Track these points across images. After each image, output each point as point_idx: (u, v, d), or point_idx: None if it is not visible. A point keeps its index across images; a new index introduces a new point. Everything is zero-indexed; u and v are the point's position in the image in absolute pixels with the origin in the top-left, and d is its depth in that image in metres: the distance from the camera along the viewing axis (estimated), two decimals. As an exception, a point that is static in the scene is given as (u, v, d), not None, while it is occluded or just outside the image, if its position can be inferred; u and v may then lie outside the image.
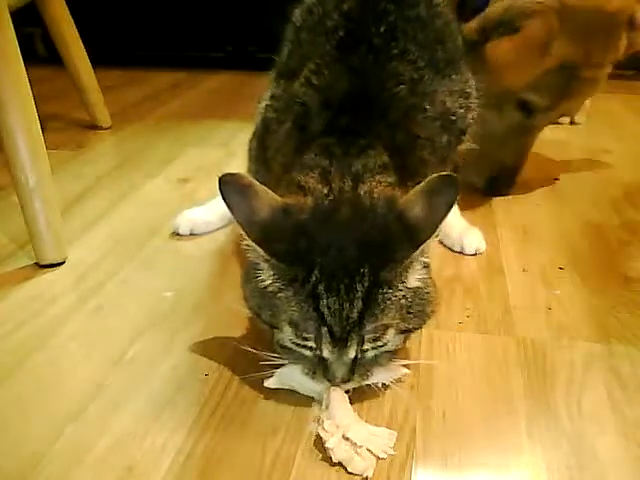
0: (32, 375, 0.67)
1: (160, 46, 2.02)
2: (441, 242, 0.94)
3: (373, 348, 0.57)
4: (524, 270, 0.86)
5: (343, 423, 0.55)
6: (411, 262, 0.56)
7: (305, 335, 0.56)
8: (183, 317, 0.76)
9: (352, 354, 0.56)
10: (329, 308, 0.54)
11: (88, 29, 2.09)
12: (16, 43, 0.85)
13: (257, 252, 0.56)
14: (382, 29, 0.72)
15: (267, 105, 0.80)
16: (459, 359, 0.69)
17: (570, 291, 0.81)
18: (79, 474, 0.54)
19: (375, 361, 0.59)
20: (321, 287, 0.54)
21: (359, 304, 0.54)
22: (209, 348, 0.70)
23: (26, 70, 0.85)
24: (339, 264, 0.54)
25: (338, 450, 0.54)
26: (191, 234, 0.95)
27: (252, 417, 0.60)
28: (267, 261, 0.56)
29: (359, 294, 0.54)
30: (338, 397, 0.58)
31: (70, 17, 1.36)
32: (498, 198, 1.09)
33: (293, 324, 0.56)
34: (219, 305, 0.78)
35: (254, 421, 0.60)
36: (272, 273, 0.56)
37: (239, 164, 1.23)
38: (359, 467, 0.53)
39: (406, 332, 0.60)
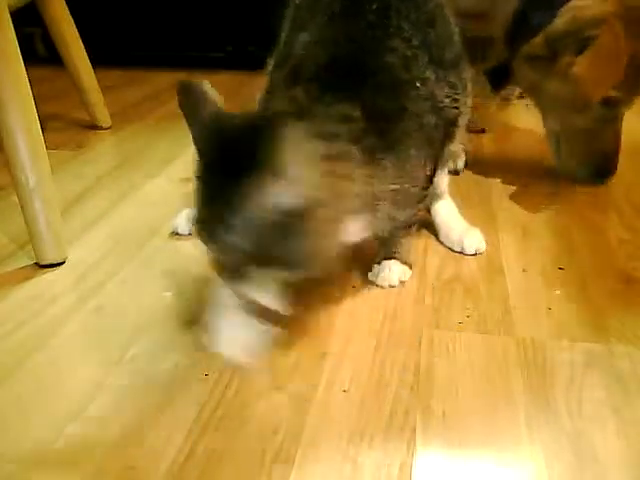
0: (32, 375, 0.67)
1: (160, 46, 2.02)
2: (441, 242, 0.94)
3: None
4: (524, 270, 0.86)
5: None
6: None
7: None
8: (183, 317, 0.76)
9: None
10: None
11: (88, 29, 2.10)
12: (16, 43, 0.85)
13: None
14: (375, 6, 0.74)
15: (270, 71, 0.83)
16: (459, 359, 0.69)
17: (570, 291, 0.81)
18: (79, 474, 0.54)
19: None
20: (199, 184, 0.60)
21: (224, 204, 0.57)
22: (209, 348, 0.70)
23: (26, 70, 0.86)
24: (214, 173, 0.59)
25: None
26: (190, 234, 0.95)
27: (252, 417, 0.60)
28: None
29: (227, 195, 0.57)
30: None
31: (70, 17, 1.36)
32: (498, 198, 1.09)
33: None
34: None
35: (254, 421, 0.60)
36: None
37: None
38: None
39: None
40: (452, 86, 0.78)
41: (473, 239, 0.92)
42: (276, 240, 0.57)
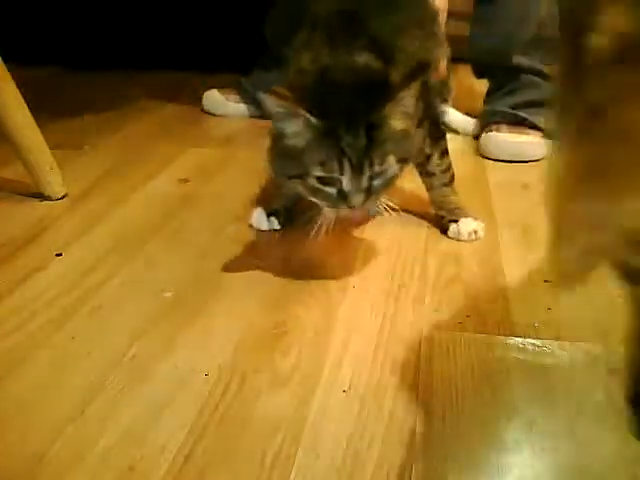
0: (32, 375, 0.67)
1: (160, 46, 2.02)
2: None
3: (379, 174, 0.73)
4: (524, 270, 0.86)
5: None
6: (391, 110, 0.72)
7: (331, 169, 0.71)
8: (183, 317, 0.76)
9: (365, 182, 0.72)
10: (348, 145, 0.70)
11: (89, 29, 2.10)
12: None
13: (290, 114, 0.71)
14: None
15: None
16: (459, 359, 0.69)
17: (570, 291, 0.81)
18: (79, 474, 0.54)
19: (381, 188, 0.74)
20: (341, 131, 0.70)
21: (365, 139, 0.70)
22: (209, 348, 0.70)
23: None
24: (348, 113, 0.70)
25: None
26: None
27: (252, 417, 0.60)
28: (300, 118, 0.71)
29: (363, 132, 0.70)
30: None
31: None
32: (498, 198, 1.09)
33: (321, 164, 0.71)
34: (219, 305, 0.78)
35: (254, 421, 0.60)
36: (302, 130, 0.71)
37: (239, 164, 1.23)
38: None
39: (400, 162, 0.75)
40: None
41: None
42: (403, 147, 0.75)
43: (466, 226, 0.94)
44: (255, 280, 0.84)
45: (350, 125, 0.70)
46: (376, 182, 0.73)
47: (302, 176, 0.73)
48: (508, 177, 1.19)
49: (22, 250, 0.92)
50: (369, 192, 0.73)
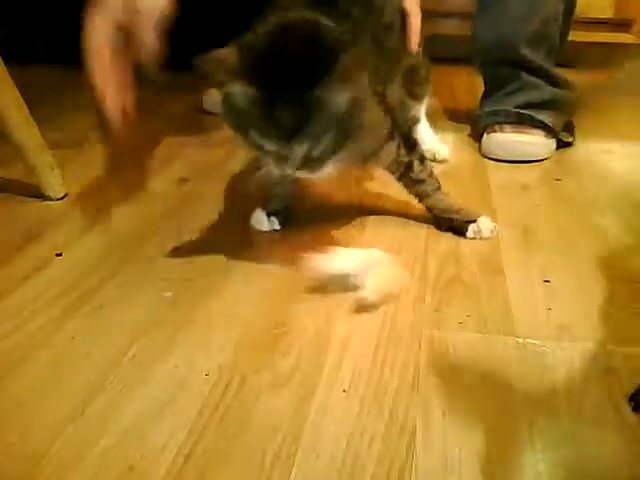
0: (32, 375, 0.67)
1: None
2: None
3: (316, 146, 0.71)
4: (524, 270, 0.86)
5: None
6: (330, 84, 0.68)
7: (265, 136, 0.70)
8: (183, 317, 0.76)
9: (300, 153, 0.71)
10: (281, 117, 0.68)
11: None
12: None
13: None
14: None
15: None
16: (459, 359, 0.69)
17: (570, 291, 0.81)
18: (79, 474, 0.54)
19: (327, 156, 0.73)
20: (277, 101, 0.68)
21: (298, 114, 0.68)
22: (209, 348, 0.70)
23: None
24: (286, 84, 0.68)
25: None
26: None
27: (252, 417, 0.60)
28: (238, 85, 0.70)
29: (299, 106, 0.68)
30: None
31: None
32: (498, 199, 1.09)
33: (257, 128, 0.70)
34: (219, 305, 0.78)
35: (254, 421, 0.60)
36: (240, 93, 0.70)
37: (239, 164, 1.23)
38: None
39: (348, 137, 0.73)
40: None
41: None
42: (345, 130, 0.72)
43: (485, 224, 0.95)
44: (255, 280, 0.84)
45: (287, 98, 0.68)
46: (316, 151, 0.72)
47: (241, 132, 0.73)
48: (508, 178, 1.19)
49: (22, 250, 0.92)
50: (307, 161, 0.72)
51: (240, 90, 0.70)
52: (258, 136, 0.71)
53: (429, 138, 1.27)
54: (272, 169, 0.75)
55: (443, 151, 1.26)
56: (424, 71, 1.14)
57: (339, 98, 0.69)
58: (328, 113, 0.69)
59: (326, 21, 0.73)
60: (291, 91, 0.68)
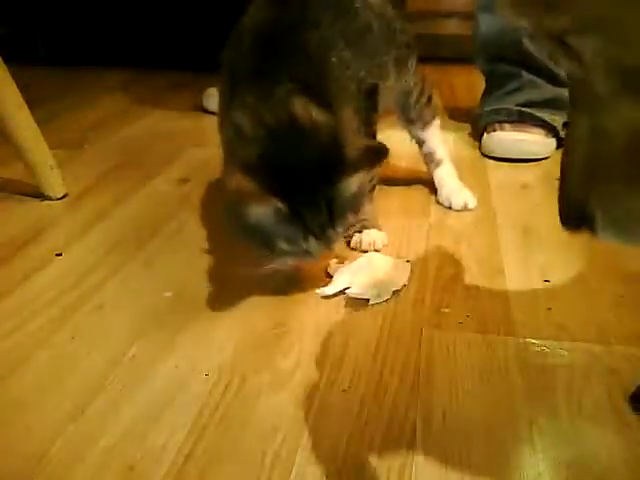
0: (32, 375, 0.67)
1: (160, 46, 2.02)
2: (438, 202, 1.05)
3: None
4: (524, 270, 0.86)
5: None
6: (348, 180, 0.70)
7: (297, 244, 0.71)
8: (183, 317, 0.76)
9: (329, 242, 0.73)
10: (311, 222, 0.70)
11: (89, 29, 2.10)
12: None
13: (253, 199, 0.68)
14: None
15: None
16: (459, 359, 0.69)
17: (570, 291, 0.81)
18: (79, 474, 0.54)
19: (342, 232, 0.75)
20: (303, 210, 0.69)
21: (326, 214, 0.70)
22: (209, 348, 0.70)
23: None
24: (307, 191, 0.69)
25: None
26: None
27: (252, 417, 0.60)
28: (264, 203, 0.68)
29: (324, 206, 0.70)
30: None
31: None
32: (498, 198, 1.09)
33: (287, 240, 0.71)
34: (219, 305, 0.78)
35: (254, 421, 0.60)
36: (266, 211, 0.68)
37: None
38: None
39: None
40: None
41: (461, 196, 1.04)
42: (357, 204, 0.75)
43: (368, 237, 0.91)
44: (255, 280, 0.84)
45: (311, 203, 0.69)
46: (339, 232, 0.74)
47: (267, 246, 0.72)
48: (508, 177, 1.19)
49: (22, 250, 0.92)
50: (330, 242, 0.74)
51: (261, 209, 0.69)
52: (287, 244, 0.71)
53: (450, 182, 1.08)
54: (288, 261, 0.75)
55: (466, 200, 1.05)
56: (416, 93, 1.03)
57: (353, 184, 0.71)
58: (347, 199, 0.71)
59: (316, 111, 0.71)
60: (311, 194, 0.69)
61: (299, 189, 0.68)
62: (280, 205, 0.68)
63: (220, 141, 0.78)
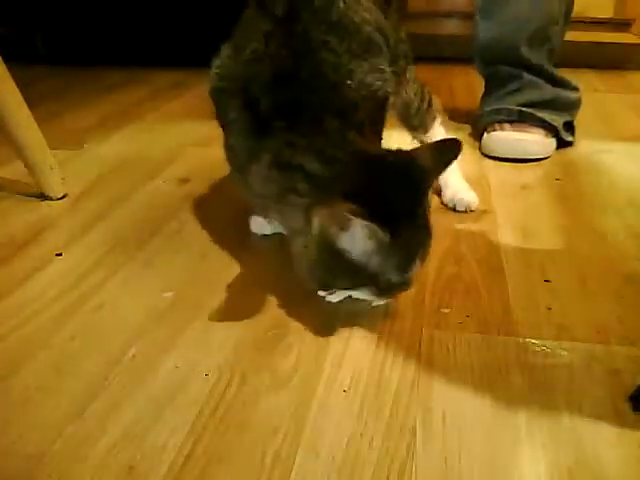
0: (32, 375, 0.67)
1: (160, 46, 2.02)
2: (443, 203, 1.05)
3: None
4: (524, 270, 0.86)
5: None
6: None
7: (408, 270, 0.68)
8: (183, 317, 0.76)
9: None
10: (418, 244, 0.68)
11: (90, 29, 2.10)
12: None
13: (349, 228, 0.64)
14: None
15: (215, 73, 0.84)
16: (459, 359, 0.69)
17: (570, 291, 0.81)
18: (79, 474, 0.54)
19: None
20: (405, 232, 0.66)
21: (427, 231, 0.69)
22: (209, 348, 0.70)
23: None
24: (404, 211, 0.66)
25: None
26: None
27: (252, 417, 0.60)
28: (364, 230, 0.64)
29: (424, 223, 0.69)
30: None
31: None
32: (498, 198, 1.09)
33: (398, 268, 0.67)
34: (219, 305, 0.78)
35: (254, 421, 0.60)
36: (367, 241, 0.64)
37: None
38: None
39: None
40: (381, 71, 0.82)
41: (465, 197, 1.04)
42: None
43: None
44: (255, 280, 0.84)
45: (412, 224, 0.67)
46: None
47: (365, 285, 0.69)
48: (508, 177, 1.19)
49: (22, 250, 0.92)
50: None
51: (364, 237, 0.64)
52: (397, 273, 0.68)
53: (456, 182, 1.08)
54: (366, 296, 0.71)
55: (470, 201, 1.05)
56: (416, 103, 1.03)
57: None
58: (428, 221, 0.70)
59: (362, 139, 0.70)
60: (413, 214, 0.67)
61: (394, 210, 0.65)
62: (384, 232, 0.63)
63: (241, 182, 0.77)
